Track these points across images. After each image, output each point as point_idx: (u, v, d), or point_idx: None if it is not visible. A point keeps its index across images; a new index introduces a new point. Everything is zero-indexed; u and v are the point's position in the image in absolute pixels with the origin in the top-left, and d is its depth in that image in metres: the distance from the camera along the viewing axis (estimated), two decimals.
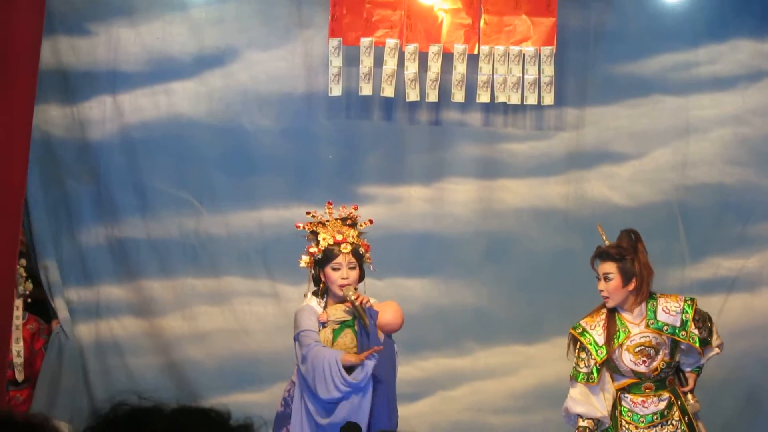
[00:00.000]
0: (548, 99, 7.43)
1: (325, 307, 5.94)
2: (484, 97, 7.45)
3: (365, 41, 7.40)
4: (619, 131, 7.63)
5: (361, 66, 7.40)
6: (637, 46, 7.59)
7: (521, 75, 7.42)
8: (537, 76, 7.40)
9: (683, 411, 5.81)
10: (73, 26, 7.52)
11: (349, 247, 5.95)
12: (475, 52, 7.41)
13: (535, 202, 7.63)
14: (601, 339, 5.82)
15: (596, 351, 5.79)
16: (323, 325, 5.88)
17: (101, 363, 7.62)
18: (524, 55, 7.41)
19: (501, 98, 7.44)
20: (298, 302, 7.27)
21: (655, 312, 5.80)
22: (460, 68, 7.42)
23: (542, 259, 7.57)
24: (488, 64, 7.43)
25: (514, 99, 7.43)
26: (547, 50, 7.40)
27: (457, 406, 7.65)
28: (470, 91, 7.46)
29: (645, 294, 5.83)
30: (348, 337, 5.86)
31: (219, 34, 7.58)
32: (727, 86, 7.59)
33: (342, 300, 5.90)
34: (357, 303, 5.81)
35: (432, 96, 7.44)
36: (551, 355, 7.34)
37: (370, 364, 5.67)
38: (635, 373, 5.78)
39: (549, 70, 7.40)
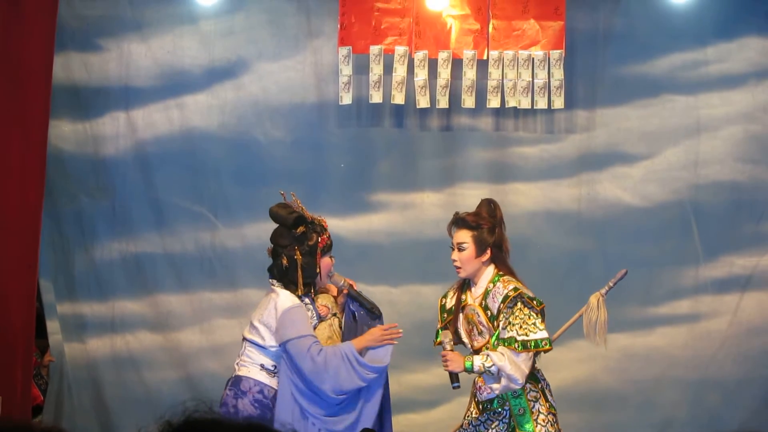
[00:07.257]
0: (558, 102, 7.45)
1: (312, 302, 5.49)
2: (494, 102, 7.48)
3: (374, 49, 7.43)
4: (630, 132, 7.64)
5: (370, 74, 7.43)
6: (645, 47, 7.61)
7: (531, 79, 7.45)
8: (546, 80, 7.43)
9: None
10: (85, 42, 7.57)
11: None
12: (485, 57, 7.45)
13: (548, 205, 7.64)
14: (451, 302, 5.58)
15: (442, 315, 5.58)
16: (321, 318, 5.44)
17: (117, 377, 7.65)
18: (533, 59, 7.44)
19: (511, 103, 7.47)
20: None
21: (489, 293, 5.41)
22: (469, 74, 7.45)
23: (555, 262, 7.57)
24: (498, 69, 7.45)
25: (525, 103, 7.46)
26: (556, 54, 7.43)
27: None
28: (480, 96, 7.49)
29: (498, 268, 5.42)
30: (335, 326, 5.51)
31: (229, 46, 7.62)
32: (737, 84, 7.60)
33: (315, 289, 5.52)
34: (354, 289, 5.49)
35: (442, 102, 7.47)
36: (568, 357, 7.35)
37: (390, 348, 5.30)
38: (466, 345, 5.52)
39: (558, 73, 7.43)
